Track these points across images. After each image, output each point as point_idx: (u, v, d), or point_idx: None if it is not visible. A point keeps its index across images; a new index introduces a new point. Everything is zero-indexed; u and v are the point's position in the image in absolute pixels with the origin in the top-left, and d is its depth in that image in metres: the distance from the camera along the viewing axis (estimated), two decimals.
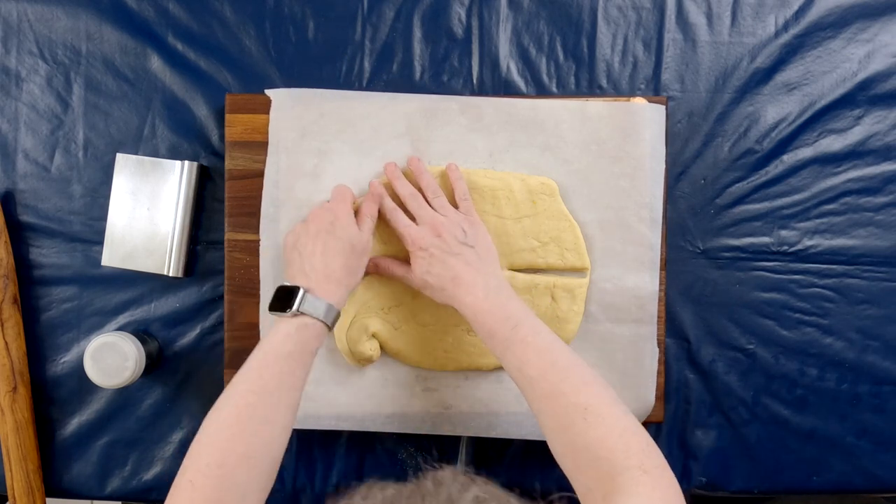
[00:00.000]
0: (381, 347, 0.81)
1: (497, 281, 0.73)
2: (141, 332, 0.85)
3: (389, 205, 0.77)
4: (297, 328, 0.68)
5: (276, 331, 0.68)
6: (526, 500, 0.51)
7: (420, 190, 0.78)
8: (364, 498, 0.51)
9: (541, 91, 0.86)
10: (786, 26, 0.87)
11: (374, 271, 0.79)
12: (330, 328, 0.70)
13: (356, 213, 0.77)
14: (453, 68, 0.86)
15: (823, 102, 0.86)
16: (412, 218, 0.76)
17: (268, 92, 0.82)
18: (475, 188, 0.80)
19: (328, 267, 0.71)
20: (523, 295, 0.80)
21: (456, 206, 0.78)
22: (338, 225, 0.73)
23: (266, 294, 0.81)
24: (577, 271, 0.82)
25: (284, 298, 0.69)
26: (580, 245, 0.81)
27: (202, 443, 0.63)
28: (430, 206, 0.77)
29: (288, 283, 0.71)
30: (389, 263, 0.78)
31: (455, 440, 0.86)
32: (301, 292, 0.69)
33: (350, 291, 0.74)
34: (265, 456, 0.64)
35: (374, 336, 0.80)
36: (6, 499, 0.84)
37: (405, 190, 0.77)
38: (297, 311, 0.68)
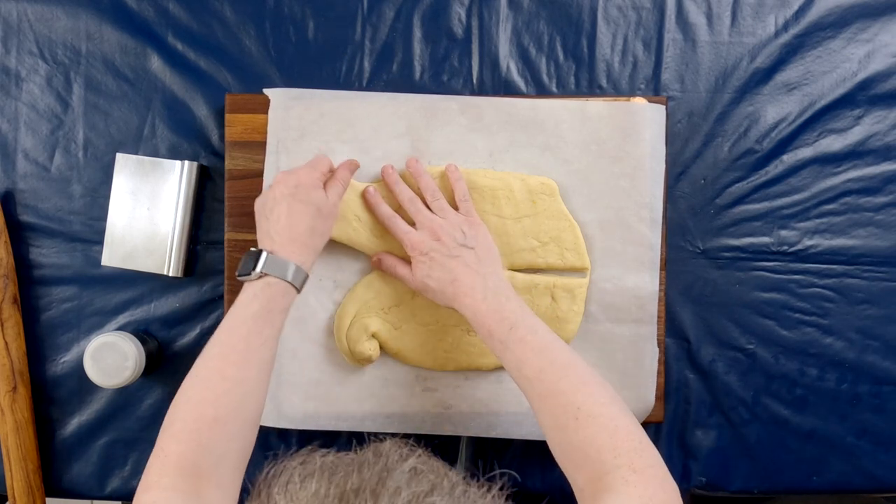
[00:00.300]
0: (381, 347, 0.81)
1: (496, 281, 0.73)
2: (141, 332, 0.85)
3: (387, 212, 0.77)
4: (261, 288, 0.68)
5: (242, 293, 0.69)
6: (468, 478, 0.52)
7: (419, 192, 0.78)
8: (302, 463, 0.51)
9: (541, 91, 0.86)
10: (786, 26, 0.87)
11: (377, 267, 0.80)
12: (298, 289, 0.70)
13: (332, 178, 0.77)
14: (453, 68, 0.86)
15: (823, 102, 0.86)
16: (412, 222, 0.77)
17: (266, 91, 0.82)
18: (475, 188, 0.80)
19: (293, 230, 0.71)
20: (523, 295, 0.80)
21: (456, 208, 0.78)
22: (301, 188, 0.73)
23: None
24: (577, 271, 0.82)
25: (251, 262, 0.70)
26: (580, 245, 0.81)
27: (173, 411, 0.64)
28: (429, 209, 0.77)
29: (254, 249, 0.71)
30: (394, 263, 0.78)
31: (455, 440, 0.86)
32: (264, 254, 0.69)
33: (316, 253, 0.74)
34: (237, 418, 0.64)
35: (374, 336, 0.80)
36: (6, 499, 0.84)
37: (404, 195, 0.78)
38: (261, 272, 0.69)
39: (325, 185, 0.75)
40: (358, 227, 0.79)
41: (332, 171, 0.77)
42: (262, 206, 0.74)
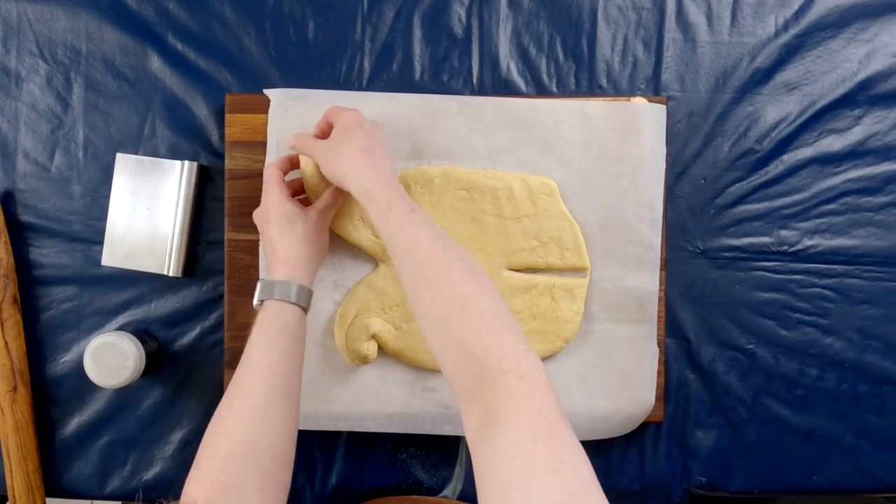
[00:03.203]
0: (382, 347, 0.81)
1: (392, 169, 0.71)
2: (141, 332, 0.85)
3: (298, 142, 0.76)
4: (259, 314, 0.69)
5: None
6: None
7: None
8: None
9: (541, 91, 0.86)
10: (786, 26, 0.87)
11: (337, 198, 0.77)
12: (294, 303, 0.69)
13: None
14: (453, 68, 0.86)
15: (823, 102, 0.86)
16: None
17: (266, 92, 0.82)
18: (475, 188, 0.80)
19: (276, 252, 0.73)
20: (523, 294, 0.80)
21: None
22: (269, 212, 0.74)
23: None
24: (577, 271, 0.82)
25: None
26: (580, 245, 0.81)
27: (197, 455, 0.63)
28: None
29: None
30: (306, 139, 0.75)
31: (455, 441, 0.86)
32: (259, 284, 0.71)
33: (307, 260, 0.73)
34: (251, 451, 0.62)
35: (374, 337, 0.80)
36: (6, 499, 0.84)
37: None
38: (257, 301, 0.70)
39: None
40: (359, 226, 0.80)
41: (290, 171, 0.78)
42: (262, 244, 0.76)
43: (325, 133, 0.76)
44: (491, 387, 0.54)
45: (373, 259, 0.82)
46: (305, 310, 0.71)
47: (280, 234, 0.73)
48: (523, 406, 0.52)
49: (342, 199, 0.77)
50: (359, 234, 0.80)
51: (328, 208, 0.76)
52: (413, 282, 0.63)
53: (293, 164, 0.79)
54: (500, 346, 0.56)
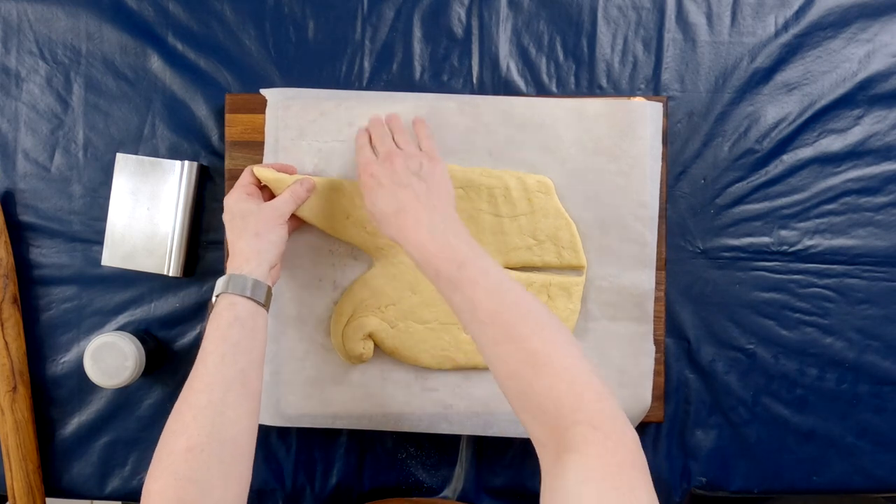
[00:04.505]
0: (378, 346, 0.81)
1: (444, 218, 0.68)
2: (141, 332, 0.85)
3: (362, 141, 0.76)
4: (213, 310, 0.69)
5: None
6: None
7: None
8: None
9: (541, 91, 0.86)
10: (786, 26, 0.87)
11: (297, 193, 0.77)
12: (241, 295, 0.68)
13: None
14: (453, 68, 0.86)
15: (823, 102, 0.86)
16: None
17: (263, 91, 0.82)
18: (471, 186, 0.80)
19: (232, 249, 0.73)
20: None
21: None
22: (228, 211, 0.75)
23: None
24: (574, 269, 0.82)
25: None
26: (577, 243, 0.81)
27: (155, 452, 0.63)
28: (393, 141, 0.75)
29: None
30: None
31: (455, 441, 0.86)
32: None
33: (259, 252, 0.72)
34: (210, 444, 0.61)
35: (370, 336, 0.80)
36: (6, 499, 0.84)
37: (374, 119, 0.77)
38: (213, 297, 0.70)
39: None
40: (347, 224, 0.79)
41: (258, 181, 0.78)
42: None
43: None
44: (566, 435, 0.54)
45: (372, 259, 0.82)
46: (259, 303, 0.69)
47: (233, 230, 0.74)
48: (596, 451, 0.53)
49: (305, 194, 0.77)
50: (347, 231, 0.80)
51: (284, 204, 0.75)
52: (481, 342, 0.62)
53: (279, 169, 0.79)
54: (572, 399, 0.56)
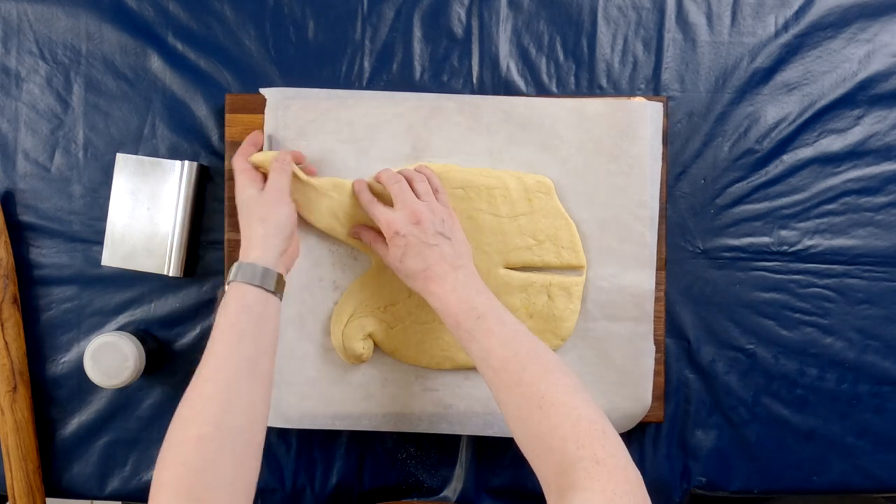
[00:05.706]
0: (378, 346, 0.81)
1: (467, 275, 0.72)
2: (141, 332, 0.85)
3: (368, 197, 0.77)
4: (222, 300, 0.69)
5: None
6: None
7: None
8: None
9: (541, 91, 0.86)
10: (786, 26, 0.87)
11: (356, 237, 0.79)
12: (249, 283, 0.68)
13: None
14: (453, 68, 0.86)
15: (823, 102, 0.86)
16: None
17: (263, 91, 0.82)
18: (471, 186, 0.80)
19: (243, 237, 0.73)
20: (519, 293, 0.81)
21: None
22: (238, 202, 0.75)
23: None
24: (574, 269, 0.82)
25: None
26: (576, 243, 0.81)
27: (164, 441, 0.62)
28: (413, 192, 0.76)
29: None
30: (373, 238, 0.77)
31: (455, 441, 0.86)
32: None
33: (265, 240, 0.72)
34: (220, 432, 0.61)
35: (370, 336, 0.80)
36: (6, 499, 0.84)
37: (390, 178, 0.76)
38: (226, 283, 0.70)
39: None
40: (338, 224, 0.79)
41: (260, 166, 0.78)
42: None
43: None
44: (570, 471, 0.58)
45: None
46: (269, 290, 0.69)
47: (242, 218, 0.74)
48: (599, 486, 0.56)
49: (289, 158, 0.76)
50: (343, 230, 0.80)
51: (278, 178, 0.75)
52: (494, 386, 0.66)
53: (257, 145, 0.79)
54: (577, 437, 0.59)
